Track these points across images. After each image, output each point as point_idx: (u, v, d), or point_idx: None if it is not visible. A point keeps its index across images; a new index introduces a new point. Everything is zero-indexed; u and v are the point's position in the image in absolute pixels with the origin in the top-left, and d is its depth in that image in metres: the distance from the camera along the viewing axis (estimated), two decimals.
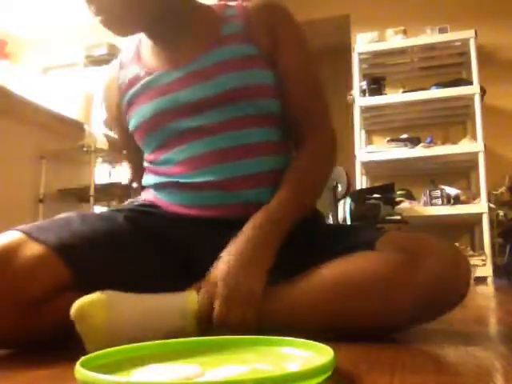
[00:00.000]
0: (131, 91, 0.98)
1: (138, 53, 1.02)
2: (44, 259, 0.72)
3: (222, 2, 1.01)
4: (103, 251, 0.80)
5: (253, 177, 0.91)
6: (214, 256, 0.81)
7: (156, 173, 0.97)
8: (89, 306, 0.67)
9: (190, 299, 0.74)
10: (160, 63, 0.96)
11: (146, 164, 1.01)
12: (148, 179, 1.00)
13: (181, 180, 0.91)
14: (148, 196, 0.99)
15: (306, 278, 0.78)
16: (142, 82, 0.96)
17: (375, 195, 2.94)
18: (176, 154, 0.93)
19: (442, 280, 0.74)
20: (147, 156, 1.00)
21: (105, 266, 0.79)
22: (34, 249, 0.73)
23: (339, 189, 1.83)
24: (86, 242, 0.78)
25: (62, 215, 0.88)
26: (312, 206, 0.95)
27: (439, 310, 0.78)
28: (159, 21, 0.93)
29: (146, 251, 0.86)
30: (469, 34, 3.28)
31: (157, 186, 0.96)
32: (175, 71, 0.93)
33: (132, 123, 0.98)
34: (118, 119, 1.06)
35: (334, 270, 0.77)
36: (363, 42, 3.58)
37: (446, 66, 3.65)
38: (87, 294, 0.72)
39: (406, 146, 3.29)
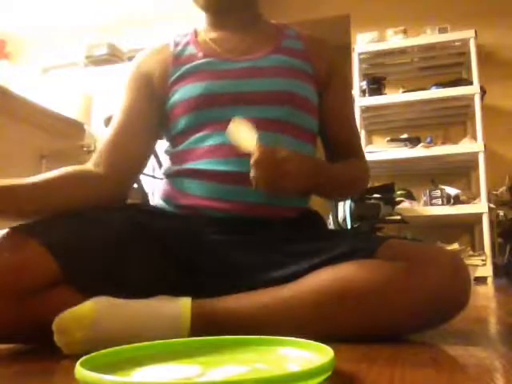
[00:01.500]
0: (185, 66, 0.99)
1: (196, 38, 1.06)
2: (33, 255, 0.73)
3: (282, 23, 1.10)
4: (95, 249, 0.79)
5: None
6: (211, 255, 0.81)
7: (181, 159, 0.97)
8: (71, 321, 0.67)
9: (182, 309, 0.74)
10: (219, 50, 1.01)
11: (170, 151, 1.02)
12: (170, 168, 1.00)
13: (203, 167, 0.92)
14: (163, 189, 1.00)
15: (300, 284, 0.78)
16: (198, 62, 0.99)
17: (375, 195, 2.93)
18: (208, 137, 0.94)
19: (442, 289, 0.74)
20: (177, 137, 1.00)
21: (95, 263, 0.78)
22: (24, 244, 0.73)
23: None
24: (78, 238, 0.78)
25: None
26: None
27: (440, 319, 0.78)
28: (243, 9, 1.04)
29: (141, 251, 0.85)
30: (469, 34, 3.28)
31: (178, 174, 0.96)
32: (234, 62, 0.98)
33: (176, 97, 0.98)
34: (151, 79, 1.02)
35: (331, 276, 0.77)
36: (363, 42, 3.58)
37: (445, 66, 3.64)
38: (78, 289, 0.74)
39: (406, 145, 3.29)
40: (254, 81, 0.96)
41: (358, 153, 1.08)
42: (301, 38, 1.06)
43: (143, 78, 1.03)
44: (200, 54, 1.01)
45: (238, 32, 1.04)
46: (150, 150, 1.05)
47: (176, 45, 1.05)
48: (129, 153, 0.99)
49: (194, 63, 0.99)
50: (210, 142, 0.94)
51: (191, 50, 1.03)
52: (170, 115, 1.00)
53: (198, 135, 0.95)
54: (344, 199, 2.31)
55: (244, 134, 0.83)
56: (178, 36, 1.08)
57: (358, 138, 1.12)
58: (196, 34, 1.07)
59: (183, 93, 0.97)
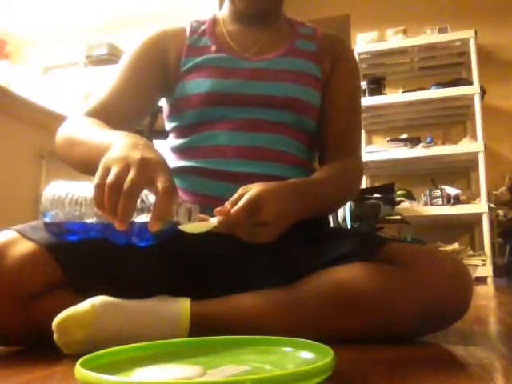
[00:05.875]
0: (197, 59, 0.98)
1: (213, 30, 1.04)
2: (35, 257, 0.73)
3: (299, 20, 1.10)
4: (96, 252, 0.79)
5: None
6: (211, 255, 0.81)
7: (184, 156, 0.97)
8: (71, 321, 0.67)
9: (182, 310, 0.74)
10: (233, 47, 1.00)
11: (173, 146, 1.00)
12: (172, 165, 0.98)
13: (206, 166, 0.92)
14: None
15: (300, 286, 0.78)
16: (210, 56, 0.98)
17: (375, 195, 2.94)
18: (213, 137, 0.94)
19: (443, 292, 0.74)
20: (180, 130, 0.99)
21: (96, 266, 0.78)
22: (25, 246, 0.73)
23: None
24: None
25: None
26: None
27: (442, 322, 0.78)
28: (275, 6, 1.04)
29: (141, 251, 0.85)
30: (469, 33, 3.28)
31: (180, 171, 0.95)
32: (245, 61, 0.98)
33: (184, 89, 0.97)
34: (166, 61, 1.00)
35: (331, 279, 0.77)
36: (363, 42, 3.58)
37: (445, 66, 3.65)
38: (78, 292, 0.73)
39: (406, 145, 3.29)
40: (260, 83, 0.95)
41: (353, 150, 1.03)
42: (315, 37, 1.05)
43: (158, 56, 1.00)
44: (213, 48, 1.00)
45: (258, 28, 1.03)
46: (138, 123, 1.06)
47: (192, 32, 1.03)
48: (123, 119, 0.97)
49: (206, 57, 0.98)
50: (215, 142, 0.94)
51: (206, 41, 1.01)
52: (176, 106, 1.00)
53: (202, 133, 0.95)
54: (337, 209, 2.25)
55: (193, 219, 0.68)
56: (195, 22, 1.06)
57: (358, 132, 1.07)
58: (214, 23, 1.05)
59: (191, 87, 0.96)
